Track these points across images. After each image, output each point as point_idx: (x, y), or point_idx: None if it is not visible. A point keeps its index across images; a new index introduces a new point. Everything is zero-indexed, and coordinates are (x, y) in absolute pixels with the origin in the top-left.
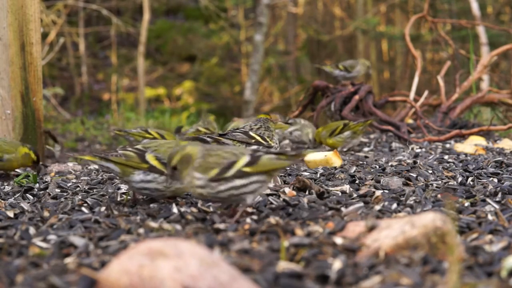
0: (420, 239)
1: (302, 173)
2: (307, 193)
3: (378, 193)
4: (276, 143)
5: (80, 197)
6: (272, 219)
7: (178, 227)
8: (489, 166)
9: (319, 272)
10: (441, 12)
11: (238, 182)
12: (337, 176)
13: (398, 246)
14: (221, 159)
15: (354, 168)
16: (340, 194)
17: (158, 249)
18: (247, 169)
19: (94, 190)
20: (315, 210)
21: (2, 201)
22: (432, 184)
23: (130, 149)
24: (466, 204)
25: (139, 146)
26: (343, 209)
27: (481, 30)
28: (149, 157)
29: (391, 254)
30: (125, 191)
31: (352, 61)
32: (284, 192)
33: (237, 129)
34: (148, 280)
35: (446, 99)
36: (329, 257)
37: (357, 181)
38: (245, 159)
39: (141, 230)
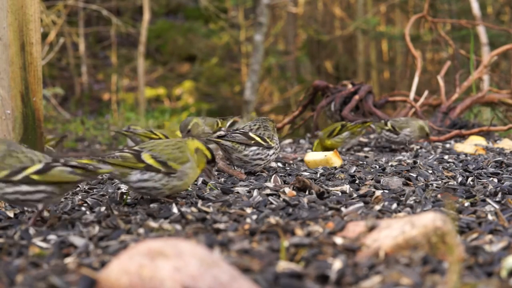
0: (420, 239)
1: (302, 173)
2: (307, 193)
3: (378, 193)
4: (277, 144)
5: (80, 197)
6: (272, 219)
7: (178, 227)
8: (489, 166)
9: (319, 272)
10: (441, 12)
11: (24, 188)
12: (337, 176)
13: (398, 246)
14: (18, 162)
15: (354, 168)
16: (340, 194)
17: (158, 249)
18: (35, 177)
19: (94, 190)
20: (315, 210)
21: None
22: (432, 184)
23: (127, 150)
24: (466, 204)
25: (136, 147)
26: (343, 209)
27: (481, 30)
28: (145, 156)
29: (391, 254)
30: (125, 191)
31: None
32: (284, 192)
33: (237, 129)
34: (148, 280)
35: (446, 99)
36: (329, 257)
37: (357, 181)
38: (37, 166)
39: (141, 230)
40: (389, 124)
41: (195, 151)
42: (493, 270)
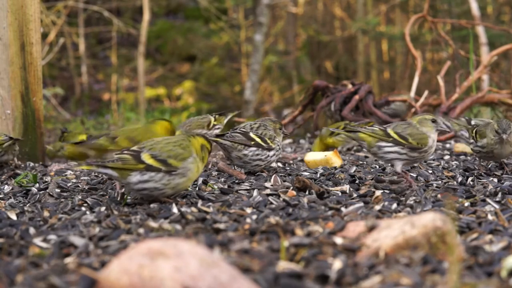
0: (420, 239)
1: (302, 173)
2: (307, 193)
3: (378, 193)
4: (278, 145)
5: (80, 197)
6: (272, 219)
7: (178, 227)
8: (489, 166)
9: (319, 272)
10: (441, 12)
11: None
12: (337, 176)
13: (398, 246)
14: None
15: (354, 168)
16: (340, 194)
17: (158, 249)
18: None
19: (94, 190)
20: (315, 210)
21: (2, 201)
22: (432, 184)
23: (126, 152)
24: (466, 204)
25: (135, 147)
26: (343, 209)
27: (481, 30)
28: (145, 157)
29: (391, 254)
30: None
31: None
32: (284, 192)
33: (236, 128)
34: (148, 280)
35: (446, 99)
36: (329, 257)
37: (357, 181)
38: None
39: (141, 230)
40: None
41: (201, 148)
42: (493, 270)
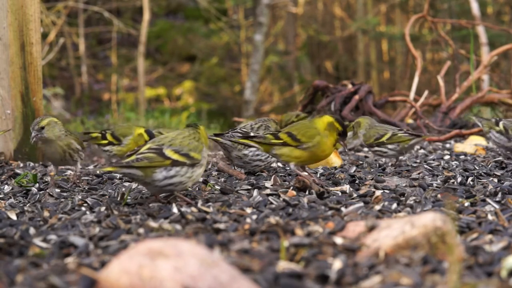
0: (420, 239)
1: (302, 173)
2: (307, 193)
3: (378, 193)
4: None
5: (80, 197)
6: (272, 219)
7: (178, 227)
8: (489, 166)
9: (319, 272)
10: (441, 12)
11: None
12: (337, 176)
13: (398, 246)
14: None
15: (354, 168)
16: (340, 194)
17: (158, 249)
18: None
19: (94, 190)
20: (315, 210)
21: (2, 201)
22: (432, 184)
23: (146, 151)
24: (466, 204)
25: (152, 145)
26: (343, 209)
27: (481, 30)
28: (168, 152)
29: (391, 254)
30: (125, 191)
31: None
32: (284, 192)
33: (237, 128)
34: (148, 280)
35: (446, 99)
36: (329, 257)
37: (357, 181)
38: None
39: (141, 230)
40: (501, 124)
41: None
42: (493, 270)
